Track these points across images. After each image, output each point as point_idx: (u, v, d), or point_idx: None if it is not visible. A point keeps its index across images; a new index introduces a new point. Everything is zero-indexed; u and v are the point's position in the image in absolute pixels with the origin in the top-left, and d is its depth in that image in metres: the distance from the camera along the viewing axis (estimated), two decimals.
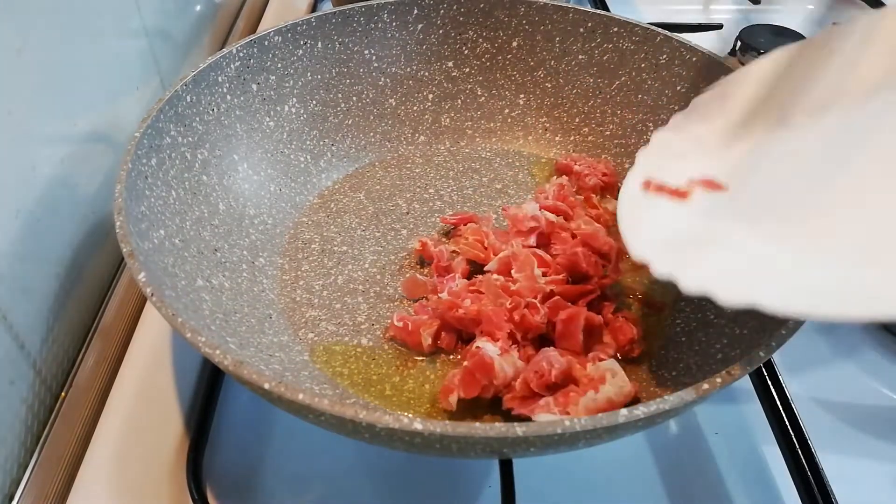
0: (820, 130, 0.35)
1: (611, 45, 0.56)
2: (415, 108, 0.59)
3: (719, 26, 0.78)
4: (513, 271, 0.44)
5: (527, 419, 0.37)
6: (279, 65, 0.53)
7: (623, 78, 0.56)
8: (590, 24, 0.56)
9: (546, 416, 0.36)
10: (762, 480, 0.40)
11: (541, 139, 0.59)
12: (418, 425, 0.27)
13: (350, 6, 0.55)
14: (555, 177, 0.55)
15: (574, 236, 0.46)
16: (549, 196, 0.51)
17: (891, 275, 0.27)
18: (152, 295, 0.33)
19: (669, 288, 0.46)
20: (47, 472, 0.40)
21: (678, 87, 0.53)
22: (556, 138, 0.59)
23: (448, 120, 0.60)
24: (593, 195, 0.53)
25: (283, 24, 0.52)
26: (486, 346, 0.39)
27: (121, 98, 0.54)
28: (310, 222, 0.52)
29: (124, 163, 0.39)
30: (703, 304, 0.44)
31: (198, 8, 0.70)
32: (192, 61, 0.67)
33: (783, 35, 0.76)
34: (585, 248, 0.44)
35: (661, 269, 0.33)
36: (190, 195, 0.45)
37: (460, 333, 0.43)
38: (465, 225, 0.50)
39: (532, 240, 0.46)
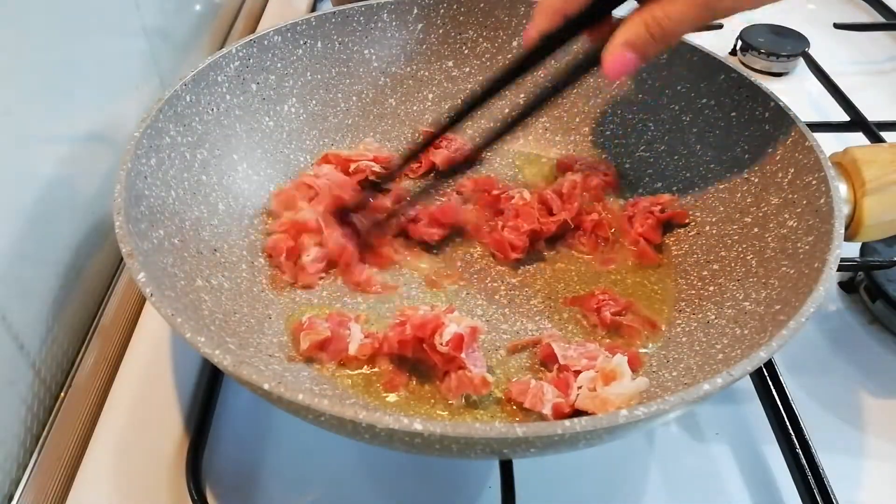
0: None
1: None
2: (415, 107, 0.59)
3: (719, 26, 0.78)
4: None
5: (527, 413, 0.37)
6: (279, 64, 0.53)
7: (623, 77, 0.56)
8: None
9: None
10: (762, 480, 0.40)
11: (541, 139, 0.59)
12: (418, 426, 0.27)
13: (350, 6, 0.55)
14: (569, 174, 0.55)
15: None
16: (563, 190, 0.51)
17: None
18: (151, 295, 0.33)
19: (667, 297, 0.47)
20: (47, 472, 0.40)
21: (678, 87, 0.53)
22: (556, 138, 0.58)
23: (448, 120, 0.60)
24: (600, 199, 0.53)
25: (283, 24, 0.52)
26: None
27: (120, 98, 0.54)
28: None
29: (123, 163, 0.39)
30: (704, 305, 0.44)
31: (197, 8, 0.70)
32: (191, 61, 0.67)
33: (783, 35, 0.76)
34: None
35: None
36: (189, 195, 0.45)
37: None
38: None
39: None
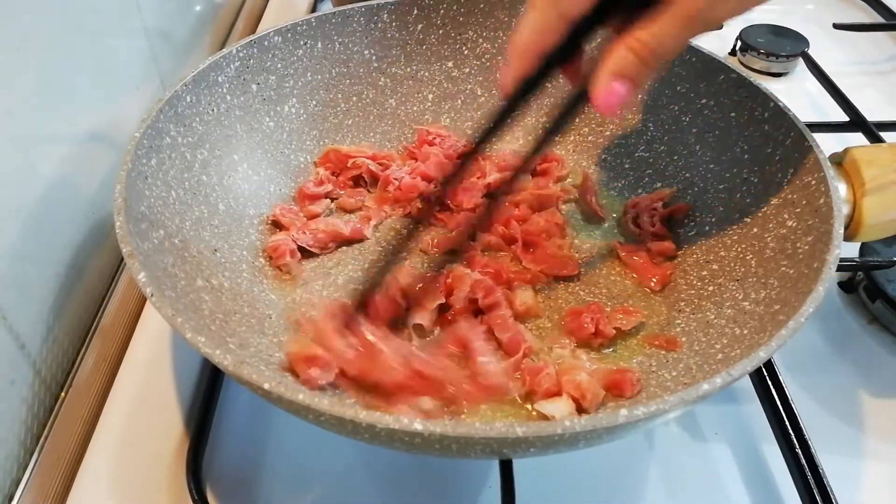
0: None
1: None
2: (415, 108, 0.59)
3: (719, 26, 0.78)
4: None
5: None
6: (279, 65, 0.53)
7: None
8: None
9: None
10: (762, 481, 0.40)
11: None
12: (418, 425, 0.27)
13: (350, 6, 0.55)
14: None
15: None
16: None
17: None
18: (152, 295, 0.33)
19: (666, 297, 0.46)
20: (47, 472, 0.40)
21: (678, 88, 0.53)
22: (556, 138, 0.58)
23: (448, 120, 0.60)
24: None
25: (283, 25, 0.52)
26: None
27: (121, 98, 0.54)
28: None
29: (124, 163, 0.39)
30: (703, 305, 0.44)
31: (198, 8, 0.70)
32: (192, 61, 0.67)
33: (783, 35, 0.76)
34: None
35: None
36: (190, 195, 0.45)
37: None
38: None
39: None
